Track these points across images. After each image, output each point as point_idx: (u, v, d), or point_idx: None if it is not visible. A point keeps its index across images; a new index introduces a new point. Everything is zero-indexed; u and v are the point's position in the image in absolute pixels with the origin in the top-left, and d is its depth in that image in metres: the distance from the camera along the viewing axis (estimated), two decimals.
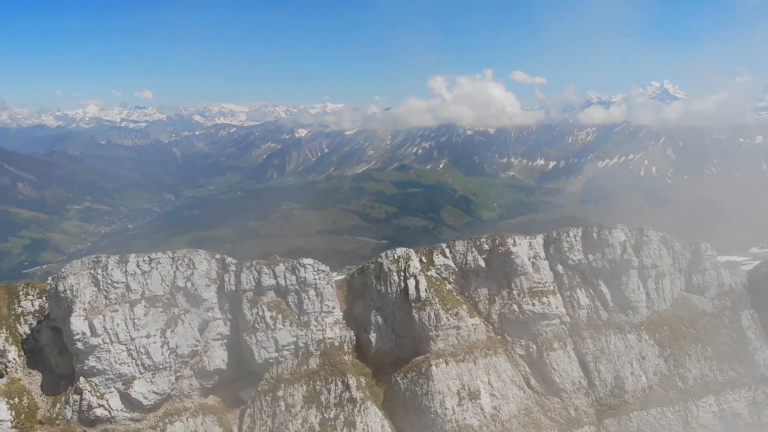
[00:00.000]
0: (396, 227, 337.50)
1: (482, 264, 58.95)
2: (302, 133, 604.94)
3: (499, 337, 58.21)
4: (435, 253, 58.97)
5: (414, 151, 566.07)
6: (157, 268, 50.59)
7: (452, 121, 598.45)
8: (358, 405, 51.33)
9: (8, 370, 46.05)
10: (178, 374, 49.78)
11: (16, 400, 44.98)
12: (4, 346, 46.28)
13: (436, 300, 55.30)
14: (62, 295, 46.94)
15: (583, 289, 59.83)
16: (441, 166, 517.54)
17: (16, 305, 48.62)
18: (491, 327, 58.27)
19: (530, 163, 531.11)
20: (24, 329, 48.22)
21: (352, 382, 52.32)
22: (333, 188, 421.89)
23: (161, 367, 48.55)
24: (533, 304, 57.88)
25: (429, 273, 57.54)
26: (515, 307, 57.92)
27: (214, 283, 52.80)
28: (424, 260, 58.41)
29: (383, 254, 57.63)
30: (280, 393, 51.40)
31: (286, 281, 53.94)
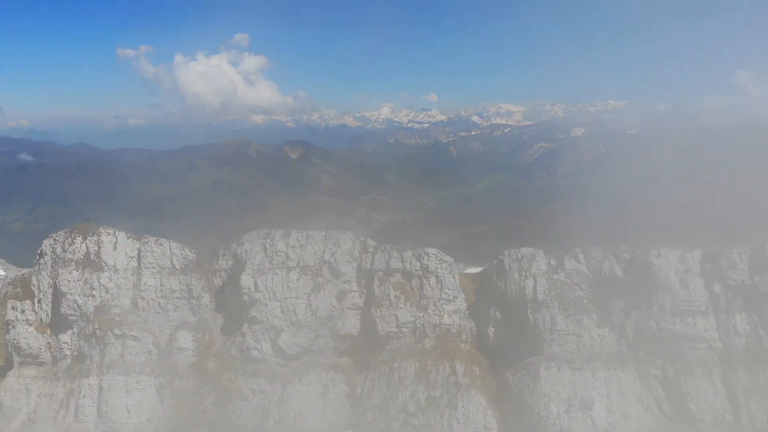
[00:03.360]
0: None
1: (620, 274, 55.52)
2: (578, 132, 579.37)
3: (633, 352, 54.29)
4: (567, 257, 57.48)
5: (710, 153, 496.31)
6: (311, 243, 61.01)
7: (760, 120, 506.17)
8: (462, 390, 54.23)
9: (200, 311, 61.40)
10: (317, 333, 59.34)
11: (200, 334, 59.84)
12: (200, 293, 61.67)
13: (555, 304, 54.38)
14: (239, 257, 60.64)
15: (744, 314, 51.86)
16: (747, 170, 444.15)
17: (214, 263, 63.91)
18: (624, 341, 54.65)
19: None
20: (218, 282, 63.24)
21: (459, 368, 55.35)
22: (606, 192, 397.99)
23: (304, 324, 58.70)
24: (674, 323, 52.74)
25: (556, 276, 56.53)
26: (653, 323, 53.47)
27: (354, 260, 61.02)
28: (554, 263, 57.46)
29: (505, 252, 58.56)
30: (396, 365, 57.22)
31: (411, 266, 59.38)
